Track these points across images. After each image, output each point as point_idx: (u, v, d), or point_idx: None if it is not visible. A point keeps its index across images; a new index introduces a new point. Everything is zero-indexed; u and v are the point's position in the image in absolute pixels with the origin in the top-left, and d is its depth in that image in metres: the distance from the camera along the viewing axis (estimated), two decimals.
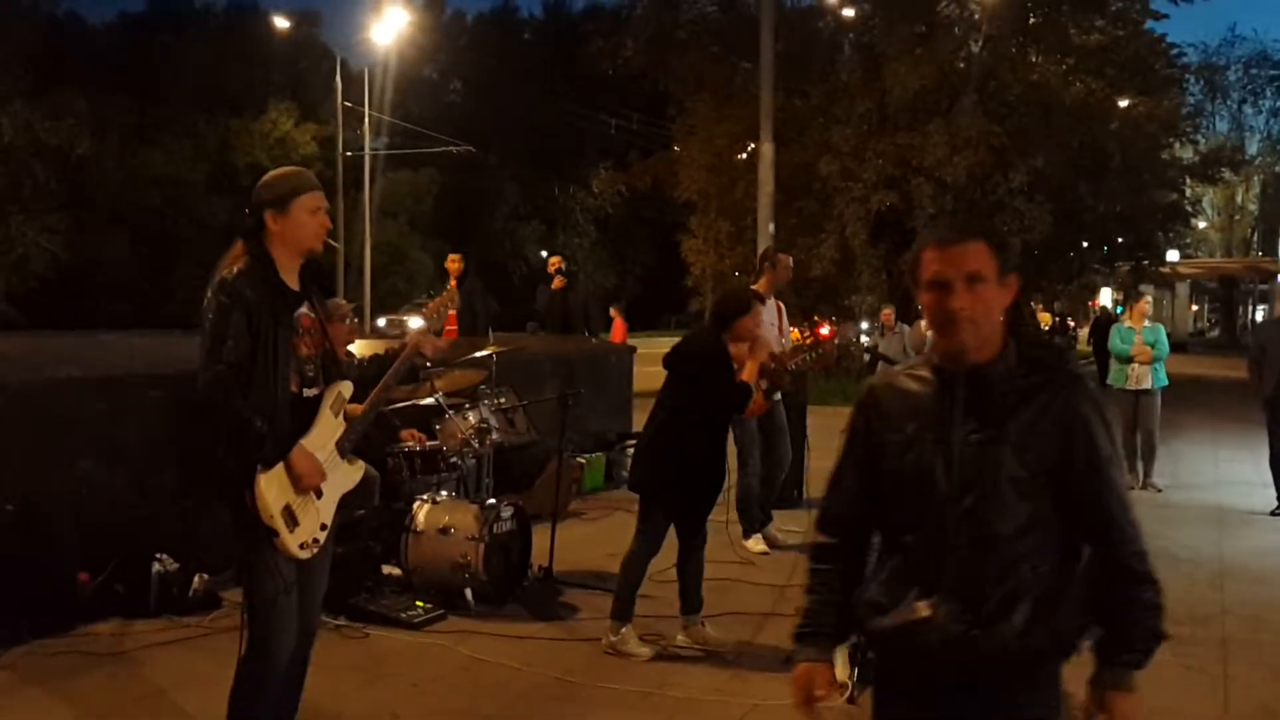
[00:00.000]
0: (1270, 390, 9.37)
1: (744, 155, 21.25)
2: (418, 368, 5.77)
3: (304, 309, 3.67)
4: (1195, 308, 65.94)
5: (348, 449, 3.75)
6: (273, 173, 3.82)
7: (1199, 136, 28.73)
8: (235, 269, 3.52)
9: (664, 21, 24.07)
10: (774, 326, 7.64)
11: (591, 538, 7.51)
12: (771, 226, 19.74)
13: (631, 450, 10.94)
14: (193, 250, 41.05)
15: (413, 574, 6.27)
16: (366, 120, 38.91)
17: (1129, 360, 10.45)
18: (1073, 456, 2.22)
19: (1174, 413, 12.82)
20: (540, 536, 6.70)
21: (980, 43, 22.01)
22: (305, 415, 3.61)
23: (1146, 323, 10.69)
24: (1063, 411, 2.24)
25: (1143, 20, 22.85)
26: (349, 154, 40.52)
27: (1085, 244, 26.15)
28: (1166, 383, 10.68)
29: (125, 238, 41.34)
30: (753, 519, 7.81)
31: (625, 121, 47.47)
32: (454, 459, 6.70)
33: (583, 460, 9.81)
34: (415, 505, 6.36)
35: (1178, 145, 27.54)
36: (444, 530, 6.23)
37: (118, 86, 42.68)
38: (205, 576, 6.03)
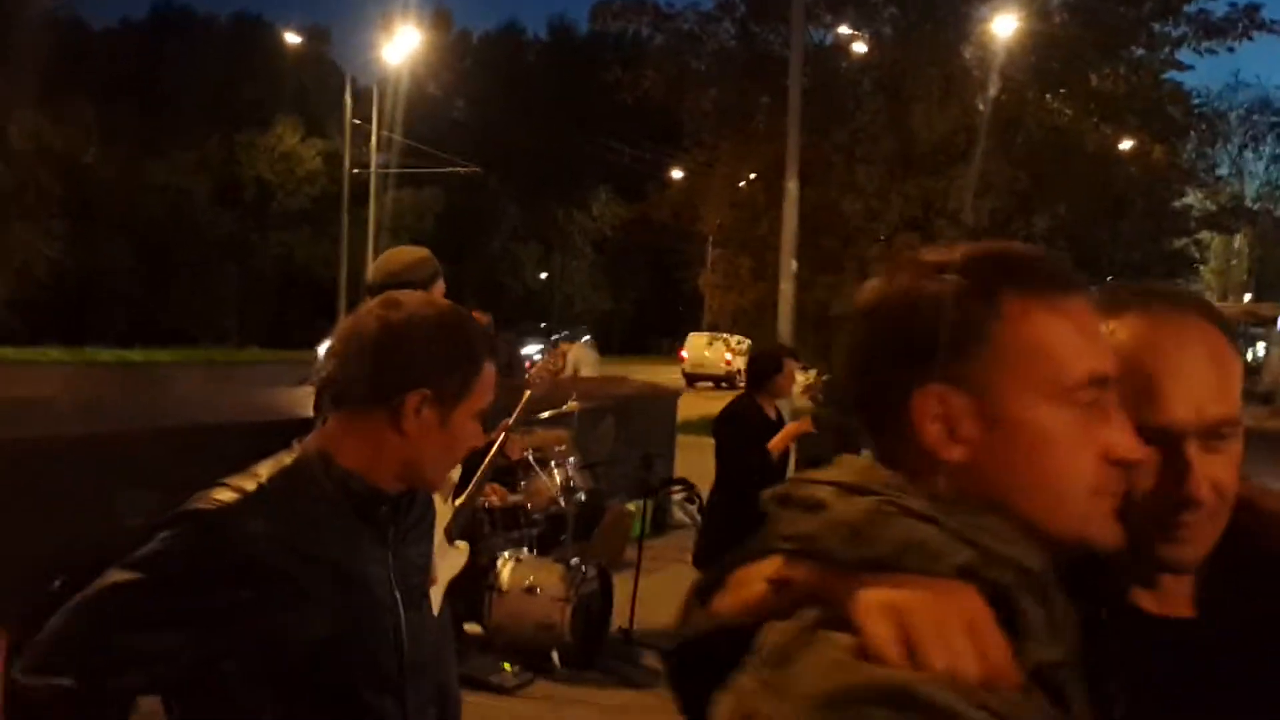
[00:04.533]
0: None
1: (764, 191, 21.24)
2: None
3: None
4: None
5: (454, 535, 3.74)
6: (410, 255, 3.89)
7: (1214, 184, 28.90)
8: None
9: (685, 53, 24.07)
10: None
11: (656, 592, 7.41)
12: (794, 264, 19.77)
13: (676, 495, 10.94)
14: (193, 263, 41.01)
15: (496, 634, 6.19)
16: (374, 138, 38.93)
17: None
18: None
19: None
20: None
21: (1000, 88, 22.09)
22: None
23: None
24: None
25: (1164, 69, 22.98)
26: (355, 170, 40.52)
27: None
28: None
29: (126, 247, 41.21)
30: None
31: (628, 147, 47.59)
32: (536, 515, 6.62)
33: (632, 507, 9.73)
34: (499, 563, 6.28)
35: (1191, 194, 27.75)
36: (529, 590, 6.15)
37: (122, 94, 42.60)
38: None
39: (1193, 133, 25.30)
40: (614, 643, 6.55)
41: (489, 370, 1.82)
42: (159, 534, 1.65)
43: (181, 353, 36.88)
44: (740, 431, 5.64)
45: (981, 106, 21.55)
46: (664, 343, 58.16)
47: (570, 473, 6.66)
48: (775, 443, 5.61)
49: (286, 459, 1.77)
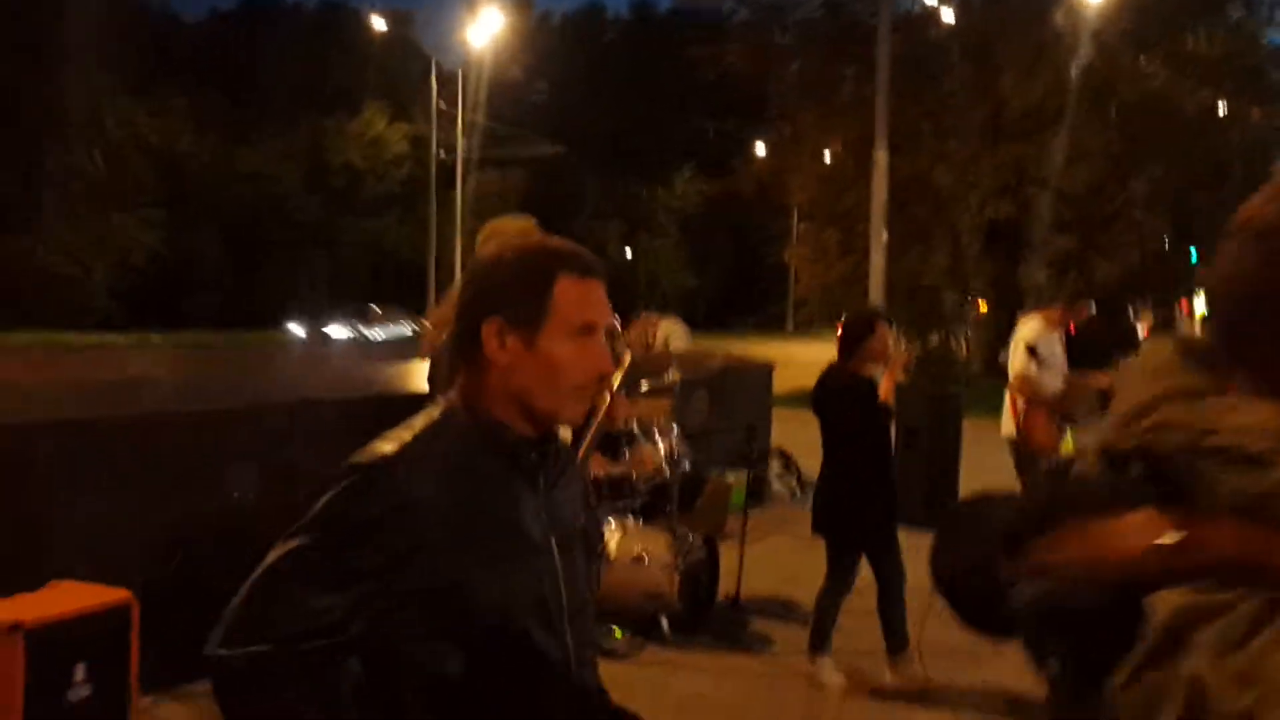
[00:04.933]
0: None
1: (853, 163, 21.05)
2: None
3: None
4: None
5: None
6: (513, 225, 3.89)
7: None
8: None
9: (769, 27, 23.93)
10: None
11: (760, 561, 7.43)
12: (884, 235, 19.56)
13: (775, 467, 10.93)
14: (281, 249, 41.75)
15: (604, 601, 6.24)
16: (460, 121, 39.22)
17: None
18: None
19: None
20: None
21: (1092, 53, 21.61)
22: None
23: None
24: None
25: (1264, 32, 22.35)
26: (440, 154, 40.89)
27: (1194, 255, 25.66)
28: None
29: (217, 235, 42.09)
30: None
31: (711, 123, 47.36)
32: (640, 485, 6.66)
33: (731, 479, 9.74)
34: (606, 533, 6.33)
35: None
36: (638, 559, 6.19)
37: (212, 84, 43.46)
38: None
39: None
40: (721, 610, 6.58)
41: (576, 284, 1.77)
42: (327, 493, 1.68)
43: (274, 335, 37.64)
44: (843, 400, 5.60)
45: (1074, 72, 21.12)
46: (750, 320, 57.94)
47: (673, 443, 6.68)
48: (885, 387, 5.59)
49: (435, 412, 1.80)
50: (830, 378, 5.82)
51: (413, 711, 1.69)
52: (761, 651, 6.10)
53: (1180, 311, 32.33)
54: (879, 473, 5.65)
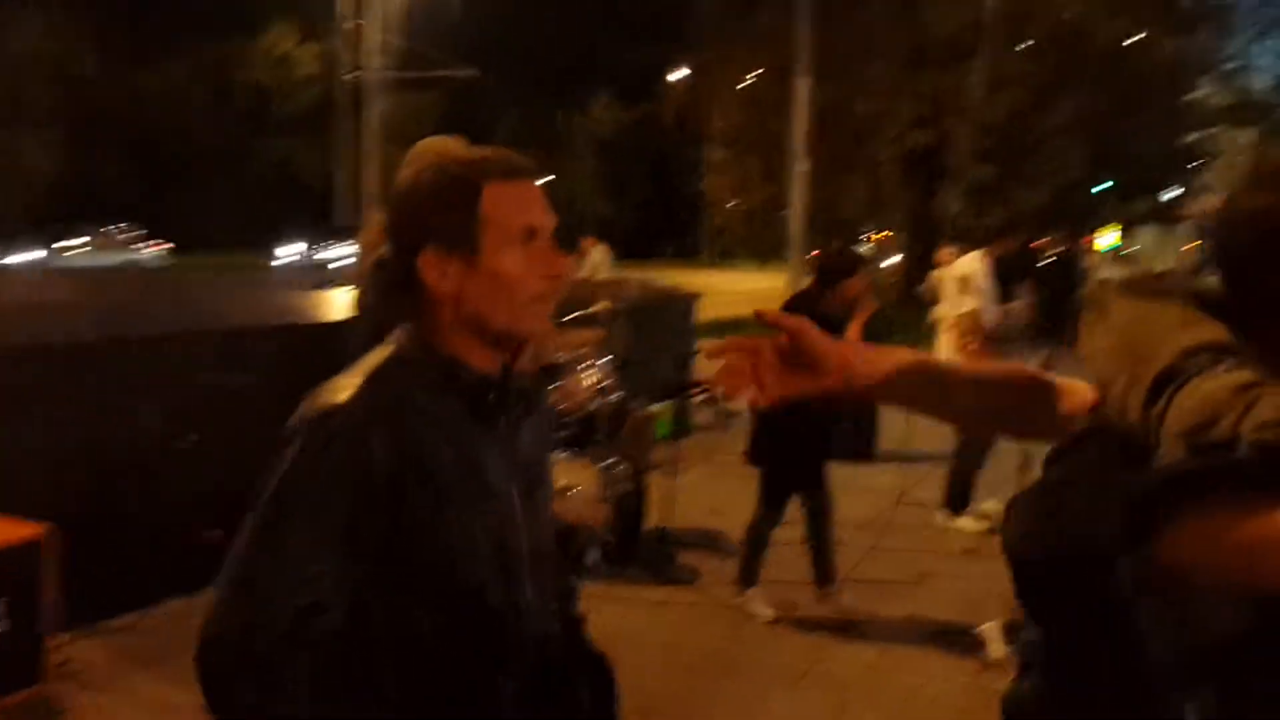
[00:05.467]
0: None
1: (775, 91, 20.92)
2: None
3: None
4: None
5: None
6: (441, 144, 3.73)
7: (1228, 76, 28.52)
8: (386, 250, 3.43)
9: None
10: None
11: (685, 492, 7.40)
12: (805, 164, 19.55)
13: (698, 398, 10.90)
14: (190, 171, 40.65)
15: None
16: (354, 40, 38.18)
17: None
18: None
19: None
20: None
21: None
22: None
23: None
24: None
25: None
26: (349, 75, 39.86)
27: (1105, 183, 26.06)
28: None
29: (122, 156, 40.80)
30: (962, 498, 7.58)
31: (629, 48, 46.77)
32: (568, 417, 6.56)
33: (654, 410, 9.70)
34: None
35: (1205, 89, 27.36)
36: (564, 491, 6.11)
37: (114, 2, 41.86)
38: None
39: (1203, 26, 24.90)
40: (648, 542, 6.55)
41: (506, 189, 1.64)
42: (287, 452, 1.56)
43: (186, 258, 36.73)
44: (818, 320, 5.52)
45: (991, 1, 21.17)
46: (669, 248, 57.88)
47: (603, 374, 6.57)
48: (854, 330, 5.54)
49: (385, 352, 1.68)
50: (801, 303, 5.71)
51: (384, 672, 1.61)
52: (690, 584, 6.10)
53: (1082, 245, 32.93)
54: (823, 405, 5.61)
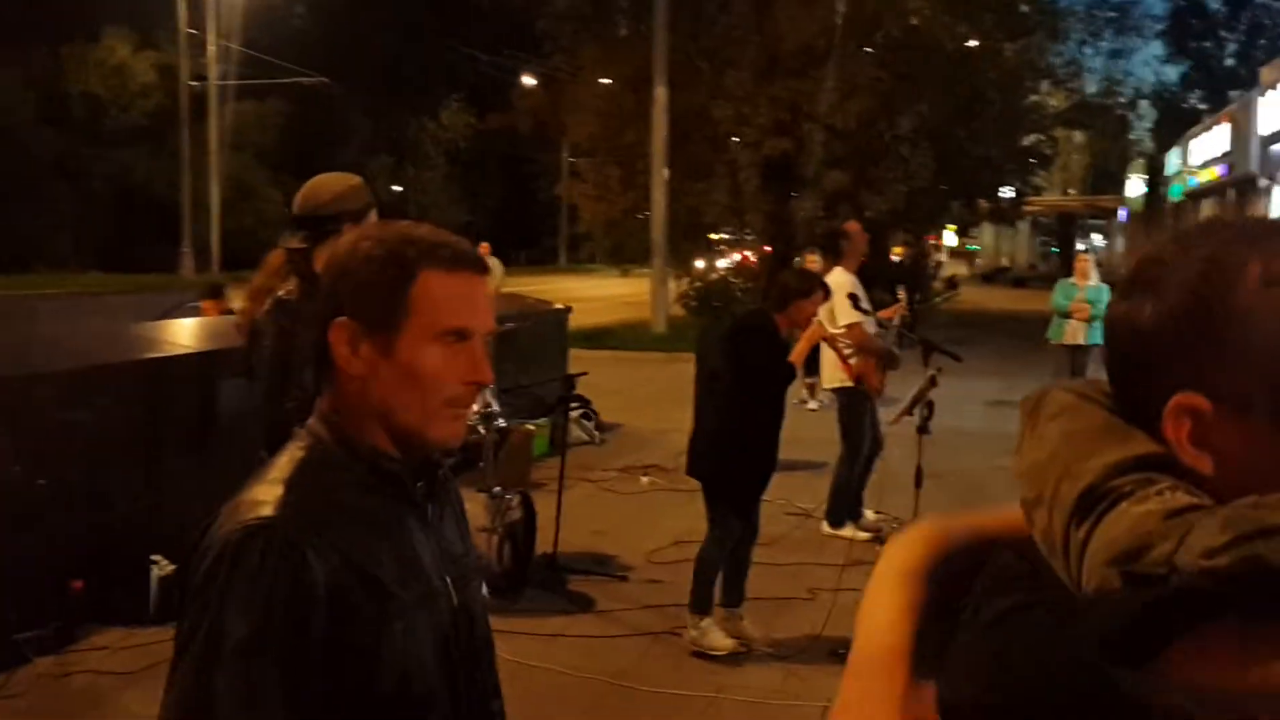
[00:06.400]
0: None
1: (632, 99, 20.97)
2: None
3: None
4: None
5: None
6: (340, 182, 3.62)
7: (1065, 80, 29.75)
8: (290, 290, 3.29)
9: None
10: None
11: (568, 514, 7.34)
12: (666, 172, 19.64)
13: (579, 414, 10.78)
14: (21, 185, 38.76)
15: None
16: (210, 47, 37.12)
17: (1067, 315, 10.76)
18: None
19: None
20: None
21: None
22: None
23: (1091, 281, 10.97)
24: None
25: None
26: (193, 84, 38.67)
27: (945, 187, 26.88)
28: (1101, 341, 10.94)
29: None
30: (847, 509, 7.60)
31: (481, 53, 46.44)
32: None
33: (532, 427, 9.57)
34: None
35: (1043, 92, 28.48)
36: None
37: None
38: None
39: (1039, 31, 25.85)
40: (538, 569, 6.43)
41: (443, 279, 1.51)
42: (214, 573, 1.40)
43: (20, 280, 35.00)
44: (766, 343, 5.46)
45: (842, 6, 21.60)
46: (523, 254, 57.65)
47: (487, 397, 6.42)
48: (798, 352, 5.55)
49: (301, 446, 1.55)
50: (753, 320, 5.69)
51: None
52: (585, 611, 5.99)
53: (928, 242, 33.94)
54: (773, 429, 5.57)
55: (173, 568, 5.55)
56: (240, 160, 44.13)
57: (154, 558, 5.55)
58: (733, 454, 5.43)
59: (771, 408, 5.52)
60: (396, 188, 55.28)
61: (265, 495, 1.46)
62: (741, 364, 5.44)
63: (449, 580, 1.61)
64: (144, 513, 5.72)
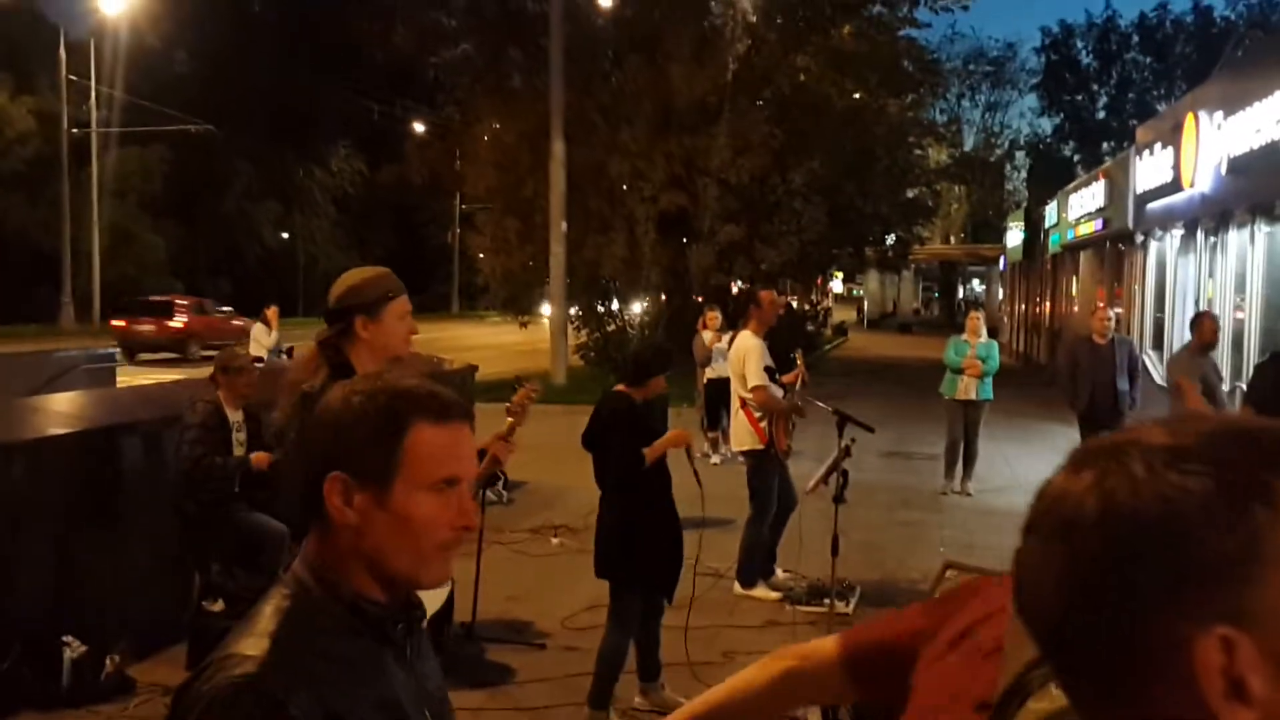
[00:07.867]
0: (1084, 405, 9.98)
1: (529, 152, 21.09)
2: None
3: None
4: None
5: None
6: (358, 276, 3.64)
7: (949, 135, 30.81)
8: (318, 381, 3.28)
9: (436, 8, 23.61)
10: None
11: (482, 577, 7.31)
12: (564, 225, 19.76)
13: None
14: None
15: None
16: (94, 94, 36.36)
17: (960, 372, 11.07)
18: None
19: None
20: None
21: (750, 46, 22.63)
22: None
23: (981, 338, 11.31)
24: None
25: (901, 27, 24.10)
26: (74, 131, 37.76)
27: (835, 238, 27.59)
28: (992, 396, 11.34)
29: None
30: (758, 569, 7.68)
31: (371, 101, 46.26)
32: None
33: None
34: None
35: (926, 147, 29.44)
36: None
37: None
38: (117, 658, 5.55)
39: (922, 88, 26.72)
40: (455, 641, 6.39)
41: (434, 431, 1.56)
42: None
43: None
44: (633, 431, 5.43)
45: (733, 65, 22.06)
46: (414, 300, 57.18)
47: None
48: (655, 450, 5.42)
49: (284, 595, 1.59)
50: (618, 406, 5.54)
51: None
52: (505, 684, 5.98)
53: (818, 287, 34.70)
54: (666, 514, 5.55)
55: (84, 649, 5.44)
56: (122, 207, 43.13)
57: (65, 639, 5.42)
58: (633, 552, 5.41)
59: (659, 499, 5.49)
60: (284, 235, 54.52)
61: (251, 649, 1.49)
62: (609, 457, 5.47)
63: (428, 714, 1.66)
64: (53, 594, 5.59)
